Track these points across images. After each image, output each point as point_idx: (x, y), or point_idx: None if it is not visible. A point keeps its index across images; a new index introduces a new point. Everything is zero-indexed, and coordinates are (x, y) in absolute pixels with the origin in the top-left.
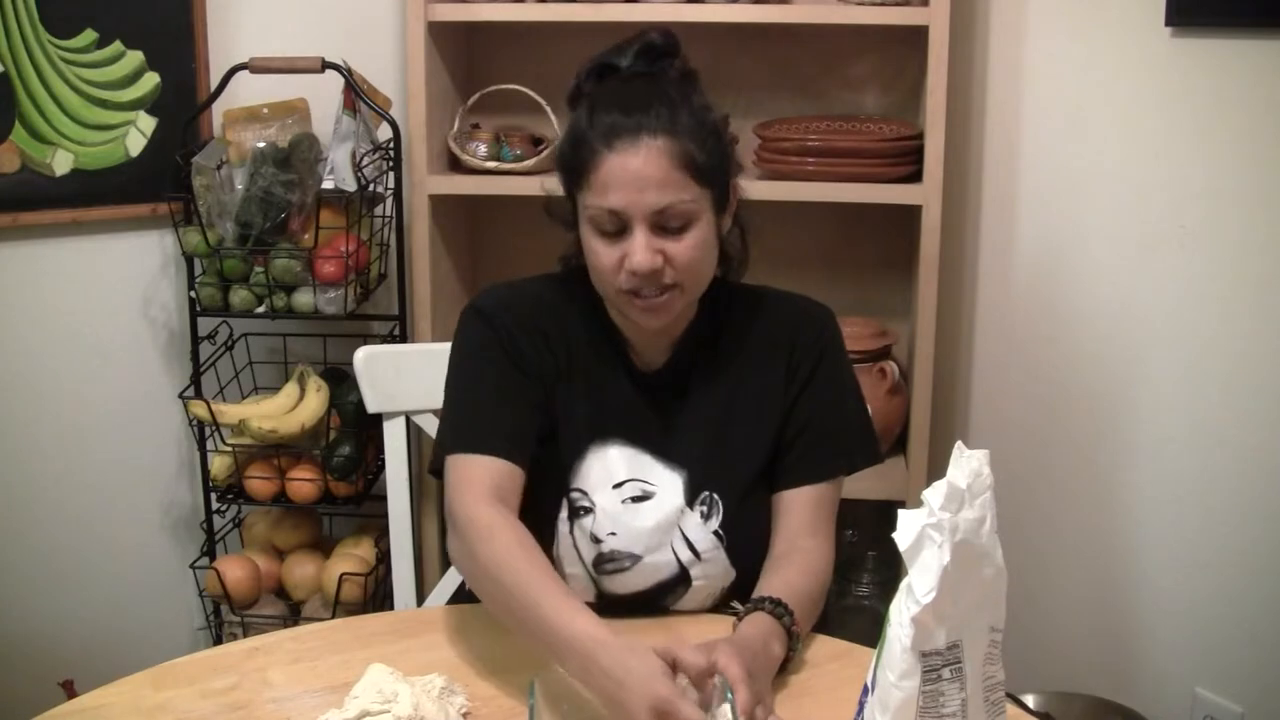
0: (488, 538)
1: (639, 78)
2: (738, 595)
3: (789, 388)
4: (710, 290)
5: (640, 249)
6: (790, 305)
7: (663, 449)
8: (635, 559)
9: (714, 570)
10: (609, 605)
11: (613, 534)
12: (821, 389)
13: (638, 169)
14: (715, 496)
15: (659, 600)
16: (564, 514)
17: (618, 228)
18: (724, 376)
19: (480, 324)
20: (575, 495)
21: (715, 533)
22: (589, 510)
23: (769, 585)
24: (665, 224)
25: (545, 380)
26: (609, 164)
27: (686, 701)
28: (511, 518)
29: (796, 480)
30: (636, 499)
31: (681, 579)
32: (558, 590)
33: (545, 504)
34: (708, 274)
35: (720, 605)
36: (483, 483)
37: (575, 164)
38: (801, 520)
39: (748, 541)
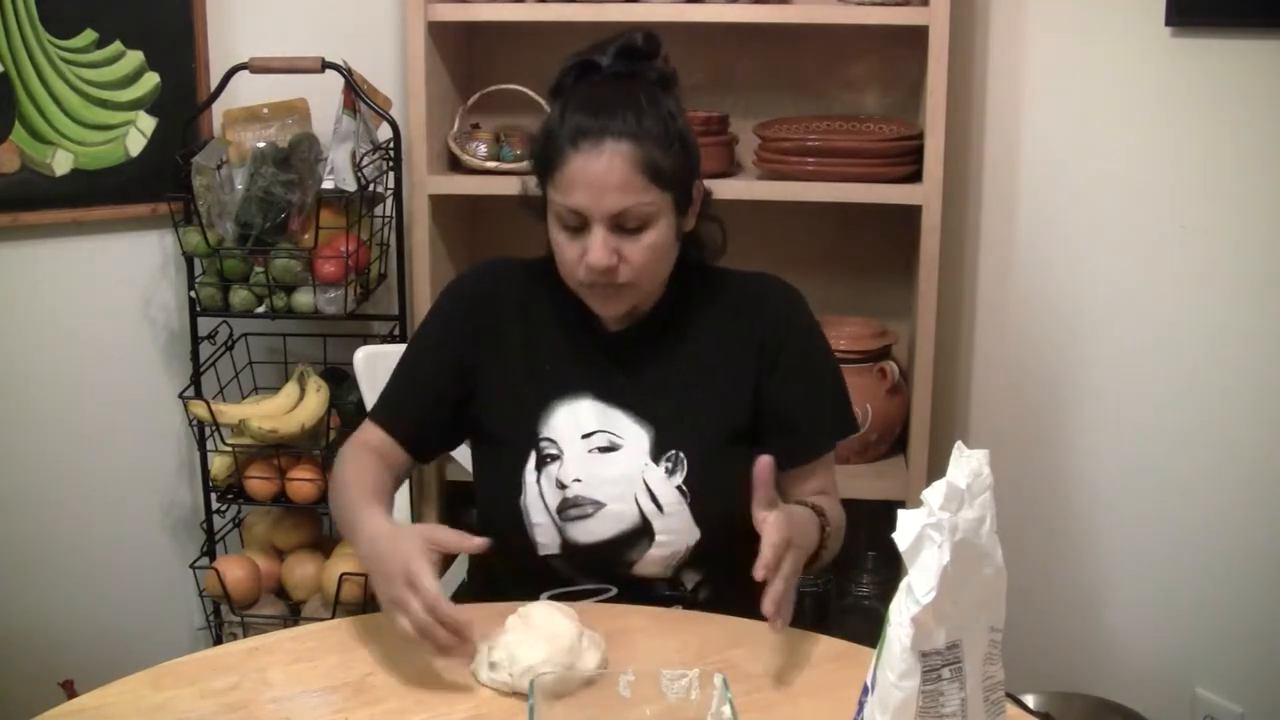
0: (340, 463)
1: (615, 79)
2: (700, 560)
3: (760, 363)
4: (680, 271)
5: (597, 247)
6: (756, 284)
7: (631, 405)
8: (598, 505)
9: (677, 525)
10: (574, 556)
11: (578, 480)
12: (800, 369)
13: (599, 171)
14: (681, 455)
15: (622, 554)
16: (531, 464)
17: (579, 224)
18: (690, 345)
19: (444, 300)
20: (544, 444)
21: (679, 488)
22: (557, 457)
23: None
24: (623, 224)
25: (498, 345)
26: (573, 164)
27: (428, 574)
28: (367, 455)
29: (797, 462)
30: (604, 449)
31: (644, 531)
32: (372, 499)
33: (513, 456)
34: (662, 272)
35: (680, 570)
36: (366, 440)
37: (544, 159)
38: (811, 493)
39: (712, 501)
